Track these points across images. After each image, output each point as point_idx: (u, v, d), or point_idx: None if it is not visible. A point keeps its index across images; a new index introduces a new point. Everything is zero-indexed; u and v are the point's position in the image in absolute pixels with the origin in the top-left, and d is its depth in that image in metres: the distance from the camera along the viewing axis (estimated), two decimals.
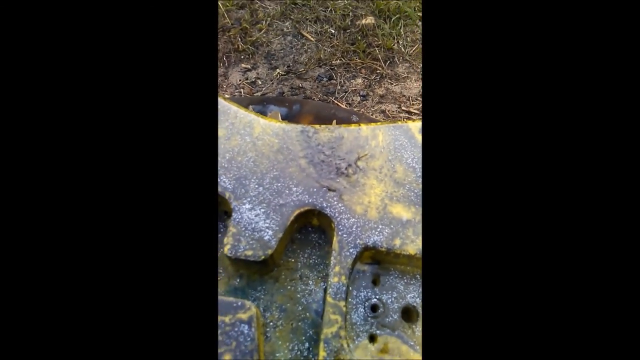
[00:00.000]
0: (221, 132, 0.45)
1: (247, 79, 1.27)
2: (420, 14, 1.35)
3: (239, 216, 0.40)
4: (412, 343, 0.38)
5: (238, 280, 0.41)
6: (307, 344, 0.38)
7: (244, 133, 0.45)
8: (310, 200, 0.41)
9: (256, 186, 0.41)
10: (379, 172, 0.43)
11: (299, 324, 0.39)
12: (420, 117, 1.18)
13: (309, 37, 1.32)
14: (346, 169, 0.43)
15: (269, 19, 1.36)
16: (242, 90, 1.25)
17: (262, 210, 0.40)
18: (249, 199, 0.41)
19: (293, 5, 1.39)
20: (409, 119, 1.17)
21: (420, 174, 0.43)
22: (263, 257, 0.38)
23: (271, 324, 0.39)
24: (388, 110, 1.19)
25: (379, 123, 0.47)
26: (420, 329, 0.38)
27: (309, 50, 1.30)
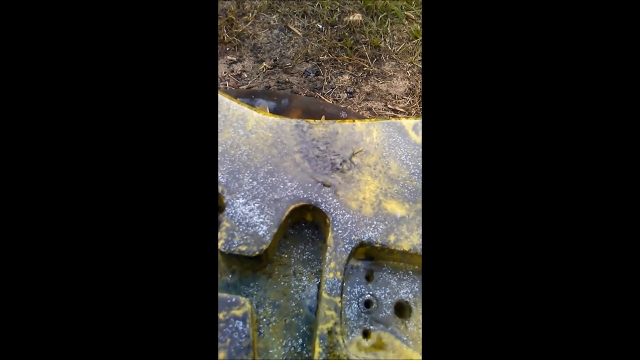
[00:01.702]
0: None
1: (232, 71, 1.25)
2: (407, 12, 1.36)
3: (233, 211, 0.39)
4: (405, 338, 0.38)
5: (230, 276, 0.40)
6: (300, 340, 0.38)
7: (237, 126, 0.44)
8: (305, 196, 0.40)
9: (250, 180, 0.41)
10: (374, 168, 0.43)
11: (293, 320, 0.39)
12: (406, 115, 1.19)
13: (297, 31, 1.31)
14: (341, 164, 0.43)
15: (255, 11, 1.34)
16: (227, 82, 1.23)
17: (257, 205, 0.39)
18: (242, 194, 0.40)
19: None
20: (394, 117, 1.18)
21: (413, 170, 0.44)
22: (258, 252, 0.37)
23: (264, 320, 0.38)
24: (374, 108, 1.19)
25: (372, 119, 0.47)
26: (413, 324, 0.39)
27: (296, 44, 1.29)
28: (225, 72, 1.23)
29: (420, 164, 0.44)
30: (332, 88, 1.20)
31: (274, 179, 0.41)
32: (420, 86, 1.25)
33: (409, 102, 1.20)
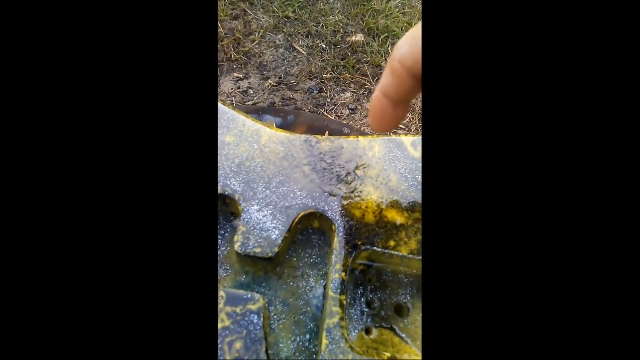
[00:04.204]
0: (231, 138, 0.48)
1: (239, 88, 1.31)
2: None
3: (248, 216, 0.43)
4: (403, 335, 0.41)
5: (244, 277, 0.44)
6: (308, 336, 0.41)
7: (252, 140, 0.48)
8: (313, 204, 0.45)
9: (264, 189, 0.45)
10: (376, 180, 0.47)
11: (301, 317, 0.42)
12: (406, 132, 1.24)
13: (301, 50, 1.37)
14: (346, 176, 0.47)
15: (262, 31, 1.40)
16: (234, 98, 1.28)
17: (269, 212, 0.44)
18: (257, 201, 0.44)
19: (286, 19, 1.44)
20: (394, 133, 1.23)
21: (412, 183, 0.48)
22: (271, 254, 0.41)
23: (275, 317, 0.42)
24: None
25: (375, 136, 0.52)
26: (410, 323, 0.42)
27: (300, 63, 1.35)
28: (232, 89, 1.29)
29: (418, 177, 0.48)
30: (335, 105, 1.26)
31: (285, 188, 0.45)
32: (419, 103, 1.31)
33: (409, 119, 1.25)
